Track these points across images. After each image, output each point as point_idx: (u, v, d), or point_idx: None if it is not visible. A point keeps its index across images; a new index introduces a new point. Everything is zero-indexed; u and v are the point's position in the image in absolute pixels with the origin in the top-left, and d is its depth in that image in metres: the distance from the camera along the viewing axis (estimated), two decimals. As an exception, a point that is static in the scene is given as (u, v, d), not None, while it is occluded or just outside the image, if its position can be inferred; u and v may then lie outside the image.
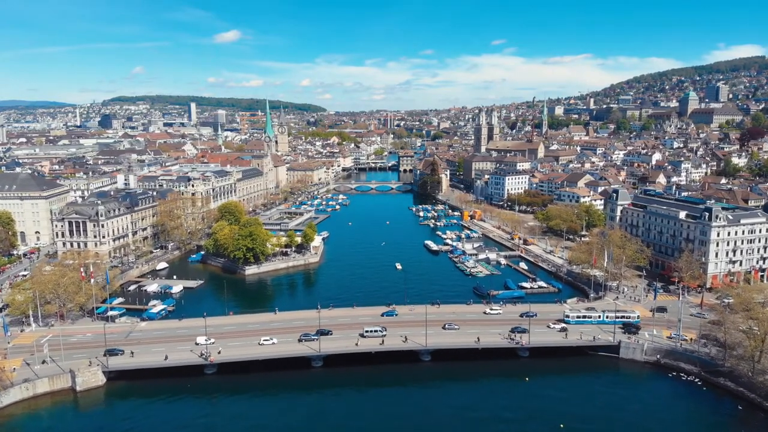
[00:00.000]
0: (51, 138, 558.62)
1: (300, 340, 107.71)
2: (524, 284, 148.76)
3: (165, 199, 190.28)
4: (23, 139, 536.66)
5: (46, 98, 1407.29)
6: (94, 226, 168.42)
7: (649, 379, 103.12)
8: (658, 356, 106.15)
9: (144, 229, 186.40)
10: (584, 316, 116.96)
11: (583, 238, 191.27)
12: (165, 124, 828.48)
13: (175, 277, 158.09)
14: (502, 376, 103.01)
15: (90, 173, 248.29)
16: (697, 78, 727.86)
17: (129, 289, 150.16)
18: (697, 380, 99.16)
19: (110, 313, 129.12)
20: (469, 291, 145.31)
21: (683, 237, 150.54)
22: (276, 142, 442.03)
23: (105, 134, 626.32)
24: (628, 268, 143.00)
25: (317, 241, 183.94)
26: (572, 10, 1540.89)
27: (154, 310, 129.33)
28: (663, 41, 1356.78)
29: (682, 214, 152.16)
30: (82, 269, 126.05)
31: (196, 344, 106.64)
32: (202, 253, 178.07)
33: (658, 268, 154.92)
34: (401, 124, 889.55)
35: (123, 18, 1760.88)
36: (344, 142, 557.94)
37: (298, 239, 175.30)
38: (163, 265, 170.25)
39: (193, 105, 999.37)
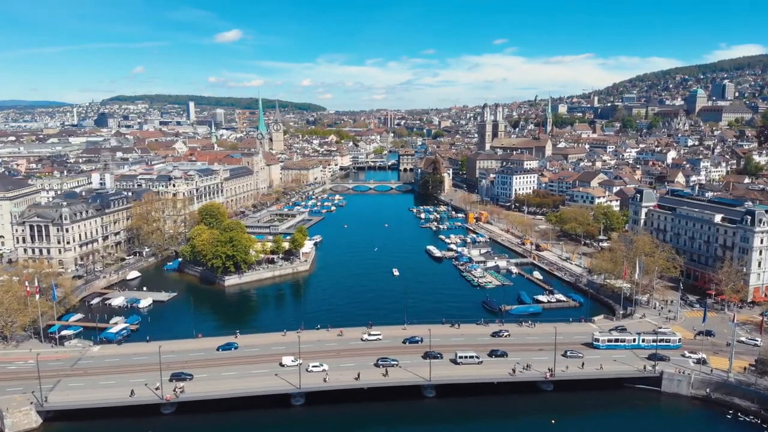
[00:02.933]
0: (41, 136, 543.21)
1: (377, 365, 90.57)
2: (540, 297, 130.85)
3: (140, 200, 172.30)
4: (12, 138, 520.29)
5: (47, 98, 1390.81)
6: (58, 230, 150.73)
7: (697, 418, 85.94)
8: (708, 390, 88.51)
9: (116, 234, 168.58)
10: (616, 340, 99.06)
11: (601, 243, 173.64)
12: (161, 123, 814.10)
13: (145, 288, 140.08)
14: (521, 417, 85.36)
15: (64, 172, 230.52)
16: (701, 76, 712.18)
17: (92, 302, 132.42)
18: (756, 420, 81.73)
19: (64, 332, 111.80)
20: (478, 305, 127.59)
21: (719, 243, 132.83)
22: (271, 139, 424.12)
23: (98, 133, 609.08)
24: (660, 280, 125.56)
25: (308, 246, 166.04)
26: (573, 9, 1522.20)
27: (114, 329, 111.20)
28: (664, 41, 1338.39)
29: (718, 218, 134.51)
30: (27, 282, 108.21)
31: (281, 365, 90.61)
32: (180, 260, 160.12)
33: (690, 279, 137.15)
34: (402, 123, 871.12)
35: (123, 18, 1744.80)
36: (343, 141, 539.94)
37: (286, 245, 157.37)
38: (134, 274, 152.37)
39: (191, 104, 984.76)
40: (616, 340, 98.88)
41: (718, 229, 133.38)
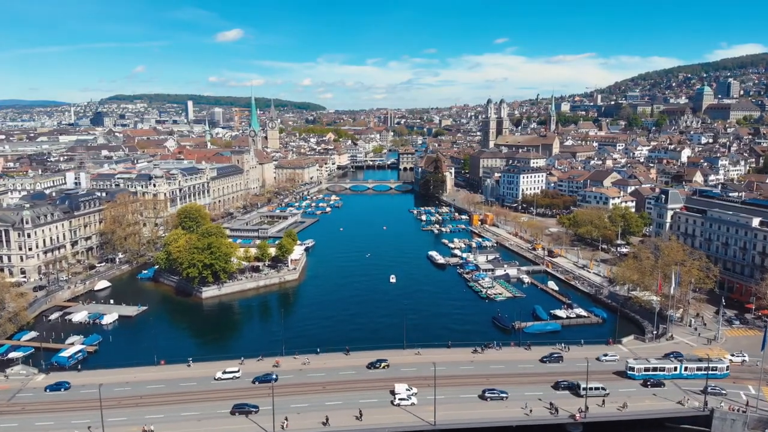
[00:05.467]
0: (32, 135, 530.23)
1: (484, 398, 76.08)
2: (558, 312, 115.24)
3: (114, 202, 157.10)
4: (2, 137, 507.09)
5: (47, 98, 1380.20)
6: (19, 235, 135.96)
7: (757, 466, 70.53)
8: (767, 431, 73.42)
9: (87, 239, 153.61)
10: (655, 369, 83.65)
11: (619, 249, 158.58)
12: (157, 122, 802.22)
13: (112, 301, 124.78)
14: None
15: (39, 171, 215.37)
16: (704, 75, 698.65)
17: (50, 318, 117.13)
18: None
19: (12, 354, 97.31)
20: (488, 322, 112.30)
21: (758, 251, 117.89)
22: (266, 137, 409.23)
23: (90, 131, 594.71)
24: (695, 293, 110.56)
25: (297, 252, 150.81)
26: (575, 9, 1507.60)
27: (68, 352, 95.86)
28: (665, 40, 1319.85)
29: (756, 222, 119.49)
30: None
31: (393, 393, 76.59)
32: (156, 268, 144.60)
33: (724, 290, 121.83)
34: (402, 122, 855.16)
35: (124, 17, 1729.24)
36: (341, 139, 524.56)
37: (272, 251, 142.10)
38: (103, 284, 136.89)
39: (190, 103, 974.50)
40: (655, 369, 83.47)
41: (756, 235, 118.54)
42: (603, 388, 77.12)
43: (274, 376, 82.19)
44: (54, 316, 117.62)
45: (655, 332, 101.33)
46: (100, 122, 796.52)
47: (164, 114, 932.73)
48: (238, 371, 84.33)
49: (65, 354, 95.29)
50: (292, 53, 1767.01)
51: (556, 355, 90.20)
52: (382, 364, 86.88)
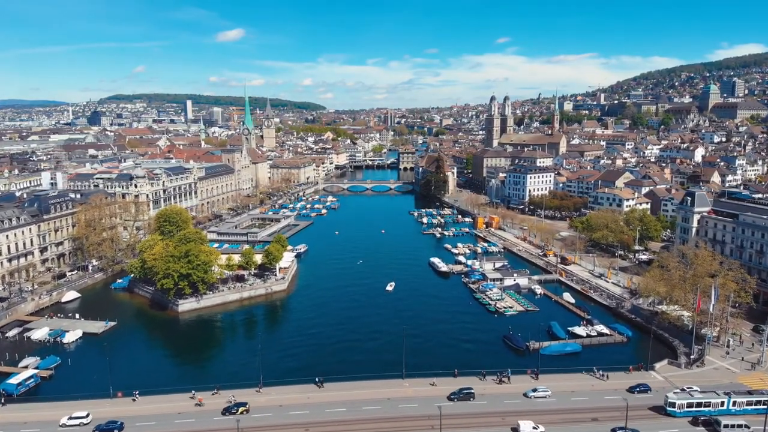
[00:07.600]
0: (24, 134, 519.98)
1: None
2: (577, 329, 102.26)
3: (89, 204, 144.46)
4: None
5: (48, 98, 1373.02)
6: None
7: None
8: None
9: (59, 244, 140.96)
10: (698, 404, 70.98)
11: (638, 255, 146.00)
12: (155, 121, 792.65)
13: (78, 315, 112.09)
14: None
15: (14, 170, 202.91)
16: (707, 74, 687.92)
17: (8, 335, 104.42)
18: None
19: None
20: (498, 341, 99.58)
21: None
22: (262, 136, 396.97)
23: (86, 131, 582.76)
24: (734, 309, 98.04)
25: (287, 259, 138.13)
26: (576, 9, 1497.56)
27: (17, 378, 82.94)
28: (666, 40, 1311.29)
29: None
30: None
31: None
32: (132, 276, 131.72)
33: (759, 303, 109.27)
34: (402, 122, 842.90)
35: (125, 17, 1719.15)
36: (340, 138, 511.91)
37: (258, 258, 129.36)
38: (72, 295, 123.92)
39: (189, 103, 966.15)
40: (699, 405, 70.77)
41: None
42: (747, 426, 66.30)
43: (118, 424, 68.44)
44: (12, 332, 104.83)
45: (691, 355, 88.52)
46: (97, 122, 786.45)
47: (163, 113, 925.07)
48: (87, 416, 69.72)
49: (14, 380, 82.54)
50: (292, 53, 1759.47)
51: (466, 391, 75.86)
52: (240, 409, 71.24)
